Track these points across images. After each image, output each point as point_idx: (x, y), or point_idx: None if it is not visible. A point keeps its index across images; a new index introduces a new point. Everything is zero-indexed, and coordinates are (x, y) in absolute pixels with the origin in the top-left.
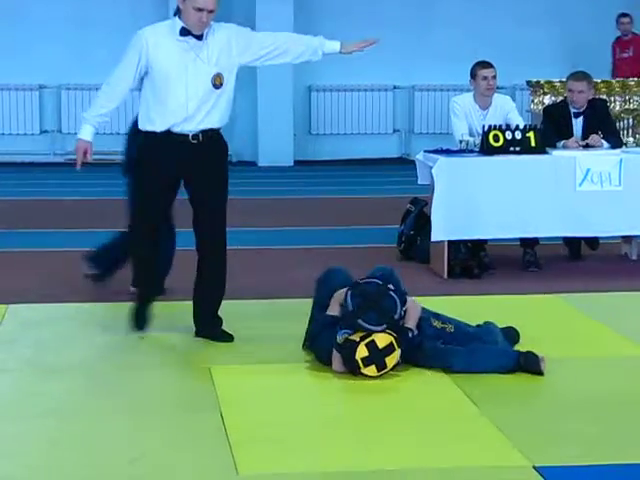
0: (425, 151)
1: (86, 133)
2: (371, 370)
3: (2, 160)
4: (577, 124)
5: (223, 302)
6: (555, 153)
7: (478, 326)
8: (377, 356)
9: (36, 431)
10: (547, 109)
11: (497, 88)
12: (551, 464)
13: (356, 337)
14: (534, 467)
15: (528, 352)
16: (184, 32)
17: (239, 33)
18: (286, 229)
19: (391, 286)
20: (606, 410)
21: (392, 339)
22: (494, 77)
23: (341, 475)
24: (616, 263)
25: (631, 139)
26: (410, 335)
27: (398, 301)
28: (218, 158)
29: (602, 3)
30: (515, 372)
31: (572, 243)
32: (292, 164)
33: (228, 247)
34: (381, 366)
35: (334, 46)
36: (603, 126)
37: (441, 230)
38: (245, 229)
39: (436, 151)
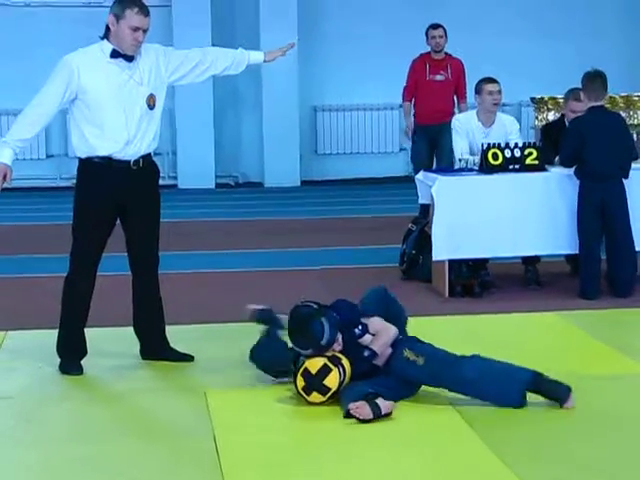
0: (425, 170)
1: (6, 156)
2: (316, 397)
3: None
4: None
5: (227, 323)
6: (554, 170)
7: (463, 357)
8: (314, 382)
9: (32, 457)
10: (545, 128)
11: (503, 105)
12: None
13: (299, 367)
14: None
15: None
16: (115, 54)
17: (166, 52)
18: (291, 250)
19: (329, 312)
20: (604, 430)
21: (324, 360)
22: (499, 92)
23: None
24: None
25: None
26: (366, 354)
27: (327, 327)
28: (155, 183)
29: (606, 20)
30: None
31: (574, 260)
32: (299, 184)
33: (240, 269)
34: (323, 390)
35: (258, 56)
36: None
37: (442, 249)
38: (253, 251)
39: (436, 170)
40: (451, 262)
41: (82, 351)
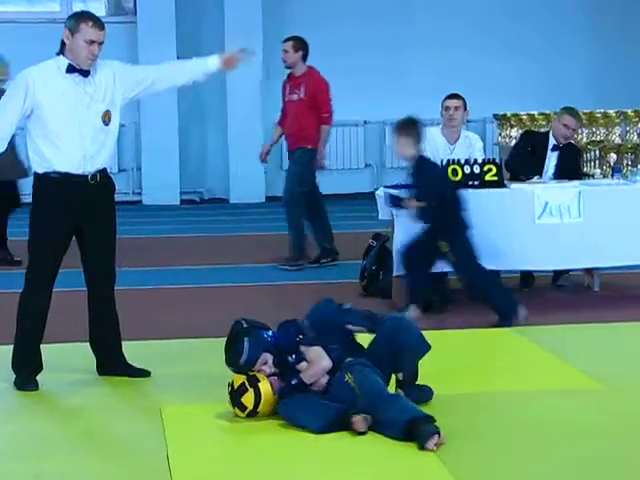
0: (385, 187)
1: None
2: (237, 412)
3: None
4: (551, 157)
5: (185, 339)
6: (513, 186)
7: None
8: (234, 397)
9: None
10: (527, 133)
11: (467, 122)
12: None
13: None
14: None
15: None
16: (71, 69)
17: (123, 68)
18: (255, 266)
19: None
20: (559, 445)
21: (244, 379)
22: (456, 108)
23: None
24: (579, 295)
25: (598, 171)
26: (293, 382)
27: (246, 347)
28: (111, 198)
29: (570, 37)
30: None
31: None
32: (264, 200)
33: (202, 285)
34: (241, 407)
35: (212, 64)
36: (574, 169)
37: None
38: (216, 267)
39: (396, 186)
40: None
41: (38, 367)
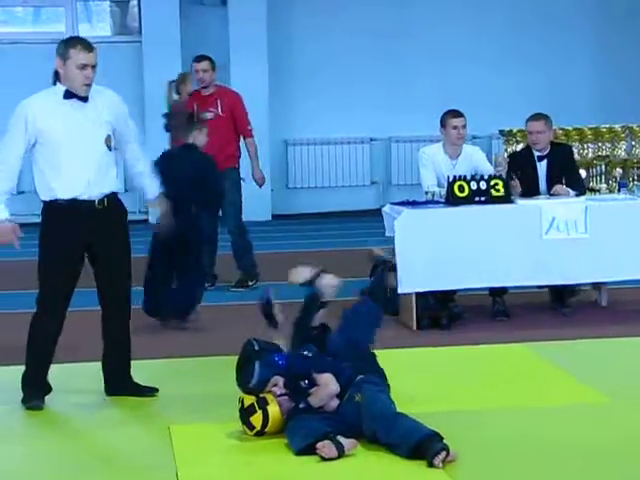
0: (392, 203)
1: (3, 213)
2: (246, 430)
3: None
4: (541, 167)
5: (193, 358)
6: (520, 202)
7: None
8: (243, 416)
9: None
10: (511, 156)
11: (473, 138)
12: None
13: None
14: None
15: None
16: (68, 95)
17: (122, 107)
18: (260, 284)
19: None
20: (563, 460)
21: (254, 400)
22: (464, 126)
23: None
24: (587, 310)
25: (604, 185)
26: (301, 406)
27: (257, 371)
28: (121, 222)
29: (576, 51)
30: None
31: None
32: (270, 218)
33: (208, 304)
34: (249, 426)
35: (152, 190)
36: (566, 171)
37: (408, 282)
38: (222, 284)
39: (403, 203)
40: (418, 294)
41: (46, 388)
